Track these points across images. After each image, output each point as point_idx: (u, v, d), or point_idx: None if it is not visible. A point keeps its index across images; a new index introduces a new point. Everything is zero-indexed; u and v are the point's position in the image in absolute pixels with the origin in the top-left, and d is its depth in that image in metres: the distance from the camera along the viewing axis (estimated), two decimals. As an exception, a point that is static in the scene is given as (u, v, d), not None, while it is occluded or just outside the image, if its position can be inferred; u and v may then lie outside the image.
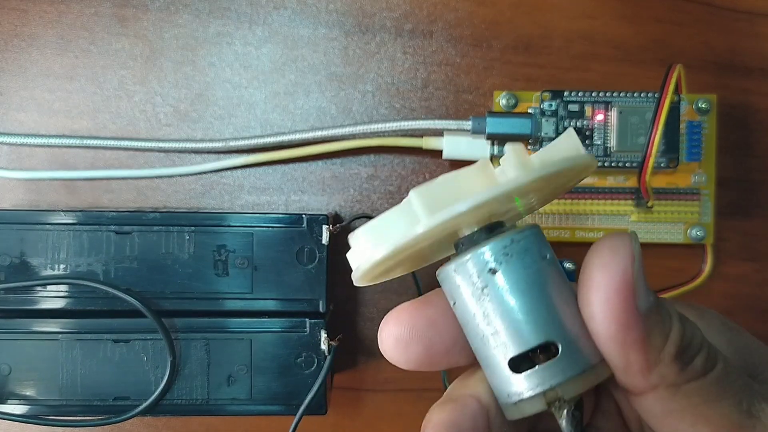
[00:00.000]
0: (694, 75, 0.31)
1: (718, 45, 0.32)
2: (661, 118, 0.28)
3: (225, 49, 0.32)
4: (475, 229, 0.17)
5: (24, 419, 0.28)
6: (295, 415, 0.28)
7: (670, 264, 0.32)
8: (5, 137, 0.32)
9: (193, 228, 0.28)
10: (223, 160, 0.32)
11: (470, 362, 0.18)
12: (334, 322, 0.31)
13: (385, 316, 0.17)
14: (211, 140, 0.32)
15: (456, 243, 0.17)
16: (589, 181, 0.31)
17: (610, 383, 0.16)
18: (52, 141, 0.32)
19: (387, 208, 0.32)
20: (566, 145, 0.17)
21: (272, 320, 0.29)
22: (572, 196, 0.31)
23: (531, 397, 0.16)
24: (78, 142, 0.32)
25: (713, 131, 0.31)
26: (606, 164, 0.30)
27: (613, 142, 0.30)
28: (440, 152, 0.31)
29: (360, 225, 0.17)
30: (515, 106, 0.31)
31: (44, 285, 0.28)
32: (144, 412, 0.28)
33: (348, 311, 0.33)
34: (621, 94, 0.30)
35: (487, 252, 0.16)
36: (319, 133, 0.31)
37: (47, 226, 0.28)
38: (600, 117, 0.30)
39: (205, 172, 0.32)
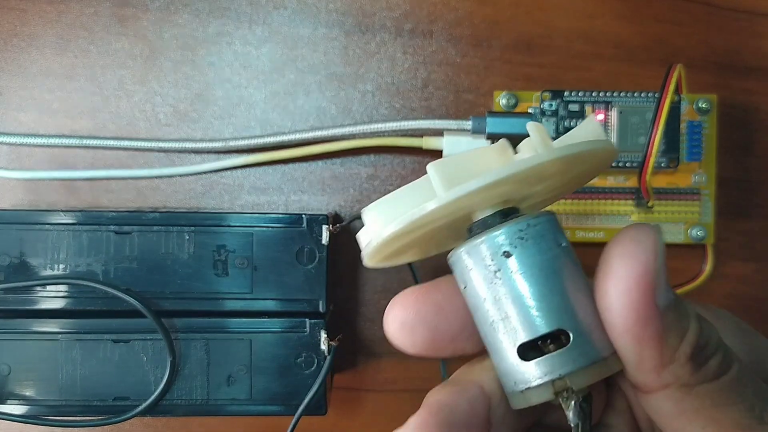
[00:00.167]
0: (694, 75, 0.31)
1: (719, 45, 0.32)
2: (661, 118, 0.28)
3: (225, 48, 0.32)
4: (490, 213, 0.16)
5: (23, 419, 0.28)
6: (295, 415, 0.28)
7: (671, 264, 0.32)
8: (5, 137, 0.32)
9: (192, 228, 0.28)
10: (223, 160, 0.32)
11: (477, 351, 0.17)
12: (334, 322, 0.31)
13: (392, 300, 0.17)
14: (210, 140, 0.32)
15: (469, 227, 0.17)
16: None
17: (622, 381, 0.16)
18: (52, 141, 0.32)
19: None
20: (587, 131, 0.16)
21: (272, 320, 0.28)
22: (573, 196, 0.31)
23: (539, 386, 0.15)
24: (77, 142, 0.32)
25: (713, 131, 0.31)
26: (606, 164, 0.30)
27: (613, 142, 0.30)
28: (440, 152, 0.31)
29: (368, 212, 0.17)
30: (515, 105, 0.31)
31: (44, 285, 0.28)
32: (144, 413, 0.28)
33: (348, 311, 0.33)
34: (621, 94, 0.30)
35: (502, 235, 0.16)
36: (319, 133, 0.31)
37: (47, 226, 0.28)
38: (600, 117, 0.30)
39: (205, 172, 0.32)
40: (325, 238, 0.28)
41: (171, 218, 0.28)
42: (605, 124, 0.30)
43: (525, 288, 0.15)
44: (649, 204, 0.31)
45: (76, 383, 0.28)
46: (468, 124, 0.30)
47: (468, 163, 0.15)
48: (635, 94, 0.30)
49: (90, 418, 0.29)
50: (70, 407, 0.28)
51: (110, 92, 0.32)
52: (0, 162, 0.32)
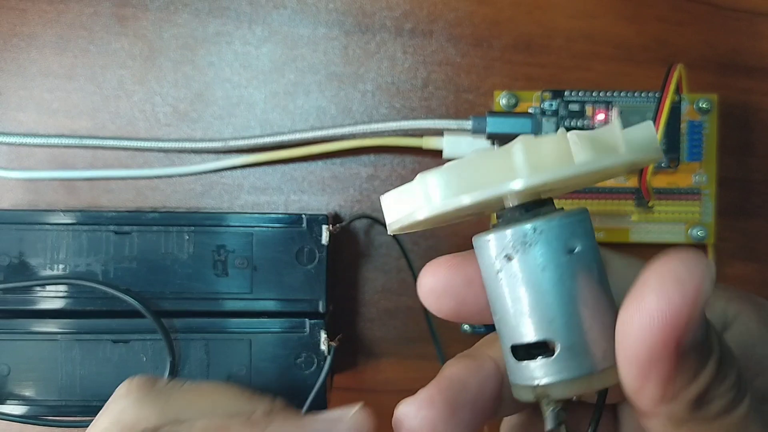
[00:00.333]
0: (695, 75, 0.31)
1: (719, 45, 0.32)
2: (662, 117, 0.28)
3: (224, 48, 0.32)
4: (516, 204, 0.16)
5: (23, 420, 0.28)
6: (295, 415, 0.28)
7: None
8: (4, 137, 0.32)
9: (192, 228, 0.28)
10: (223, 160, 0.32)
11: None
12: (334, 322, 0.31)
13: (426, 265, 0.17)
14: (210, 140, 0.32)
15: (497, 213, 0.17)
16: (589, 181, 0.31)
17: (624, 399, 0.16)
18: (51, 141, 0.32)
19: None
20: (644, 137, 0.16)
21: (272, 320, 0.28)
22: (573, 196, 0.31)
23: (523, 386, 0.16)
24: (77, 141, 0.32)
25: (714, 131, 0.31)
26: (607, 164, 0.30)
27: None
28: (440, 152, 0.31)
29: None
30: (516, 105, 0.31)
31: (43, 285, 0.28)
32: (143, 413, 0.28)
33: (348, 311, 0.33)
34: (622, 94, 0.30)
35: (508, 236, 0.15)
36: (318, 133, 0.31)
37: (46, 226, 0.28)
38: (601, 117, 0.30)
39: (205, 172, 0.32)
40: (325, 238, 0.28)
41: (170, 218, 0.28)
42: (605, 124, 0.30)
43: (520, 294, 0.15)
44: (650, 204, 0.31)
45: (75, 383, 0.28)
46: (468, 124, 0.30)
47: (549, 148, 0.15)
48: (635, 94, 0.30)
49: (90, 418, 0.28)
50: (69, 407, 0.28)
51: (110, 92, 0.32)
52: (0, 162, 0.32)
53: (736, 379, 0.14)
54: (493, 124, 0.30)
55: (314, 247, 0.28)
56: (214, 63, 0.32)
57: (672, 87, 0.28)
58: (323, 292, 0.28)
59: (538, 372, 0.15)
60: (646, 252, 0.32)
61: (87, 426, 0.28)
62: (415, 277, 0.31)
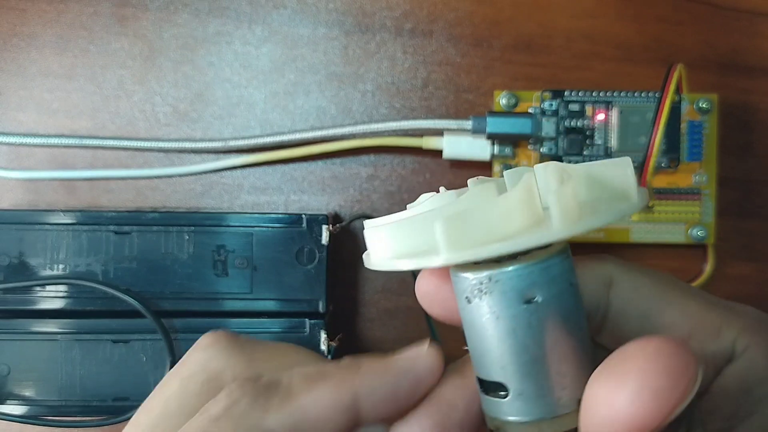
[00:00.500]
0: (695, 74, 0.31)
1: (720, 44, 0.32)
2: (662, 117, 0.28)
3: (224, 48, 0.32)
4: None
5: (23, 420, 0.28)
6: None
7: (671, 264, 0.32)
8: (4, 137, 0.32)
9: (192, 228, 0.28)
10: (223, 160, 0.32)
11: None
12: (334, 322, 0.31)
13: (423, 270, 0.18)
14: (210, 140, 0.32)
15: None
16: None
17: None
18: (51, 141, 0.32)
19: (387, 208, 0.32)
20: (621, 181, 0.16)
21: (272, 320, 0.28)
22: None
23: (486, 416, 0.16)
24: (77, 141, 0.32)
25: (714, 131, 0.31)
26: (607, 164, 0.30)
27: (613, 142, 0.30)
28: (440, 152, 0.31)
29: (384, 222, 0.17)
30: (516, 105, 0.31)
31: (43, 285, 0.28)
32: (143, 413, 0.28)
33: (348, 311, 0.33)
34: (622, 94, 0.30)
35: (467, 281, 0.16)
36: (318, 133, 0.31)
37: (46, 226, 0.28)
38: (601, 117, 0.30)
39: (205, 172, 0.32)
40: (325, 238, 0.28)
41: (170, 218, 0.28)
42: (606, 123, 0.30)
43: (476, 335, 0.16)
44: (650, 204, 0.31)
45: (75, 383, 0.28)
46: (468, 124, 0.30)
47: (479, 219, 0.15)
48: (635, 94, 0.30)
49: (89, 418, 0.29)
50: (69, 407, 0.28)
51: (110, 92, 0.32)
52: (0, 162, 0.32)
53: None
54: (493, 124, 0.30)
55: (314, 247, 0.28)
56: (214, 63, 0.32)
57: (672, 87, 0.28)
58: (323, 292, 0.28)
59: (495, 408, 0.16)
60: (647, 252, 0.32)
61: (87, 426, 0.29)
62: (415, 278, 0.31)
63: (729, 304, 0.17)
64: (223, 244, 0.28)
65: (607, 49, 0.32)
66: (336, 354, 0.28)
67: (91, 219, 0.28)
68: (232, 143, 0.31)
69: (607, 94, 0.30)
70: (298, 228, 0.28)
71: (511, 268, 0.15)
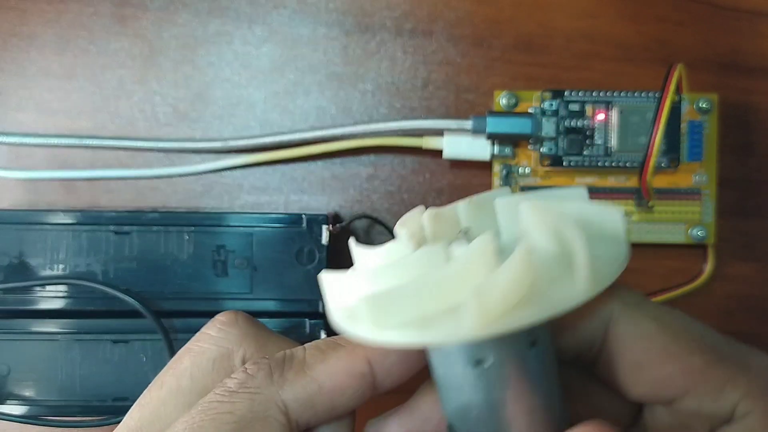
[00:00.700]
0: (695, 74, 0.31)
1: (720, 44, 0.32)
2: (662, 117, 0.28)
3: (224, 48, 0.32)
4: None
5: (23, 420, 0.28)
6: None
7: (671, 264, 0.32)
8: (4, 137, 0.32)
9: (192, 228, 0.28)
10: (223, 159, 0.32)
11: None
12: (333, 322, 0.31)
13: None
14: (210, 140, 0.32)
15: None
16: (589, 181, 0.31)
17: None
18: (51, 141, 0.32)
19: (387, 208, 0.32)
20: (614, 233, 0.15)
21: (272, 320, 0.28)
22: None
23: None
24: (77, 141, 0.32)
25: (714, 131, 0.31)
26: (607, 164, 0.30)
27: (614, 142, 0.30)
28: (440, 152, 0.31)
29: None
30: (516, 105, 0.31)
31: (43, 285, 0.28)
32: (143, 413, 0.28)
33: (348, 311, 0.33)
34: (622, 94, 0.30)
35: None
36: (318, 133, 0.31)
37: (46, 226, 0.28)
38: (601, 117, 0.30)
39: (205, 172, 0.32)
40: (324, 238, 0.28)
41: (170, 218, 0.28)
42: (606, 123, 0.30)
43: (433, 373, 0.16)
44: (650, 204, 0.31)
45: (75, 383, 0.28)
46: (468, 124, 0.30)
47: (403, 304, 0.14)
48: (636, 94, 0.30)
49: (89, 418, 0.29)
50: (69, 407, 0.28)
51: (110, 92, 0.32)
52: (0, 162, 0.32)
53: None
54: (494, 124, 0.30)
55: (314, 247, 0.28)
56: (214, 63, 0.32)
57: (672, 87, 0.28)
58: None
59: None
60: (647, 252, 0.32)
61: (87, 426, 0.29)
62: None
63: (741, 354, 0.16)
64: (223, 244, 0.28)
65: (607, 49, 0.32)
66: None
67: (91, 219, 0.28)
68: (232, 143, 0.31)
69: (607, 94, 0.30)
70: (298, 228, 0.28)
71: (457, 346, 0.15)
